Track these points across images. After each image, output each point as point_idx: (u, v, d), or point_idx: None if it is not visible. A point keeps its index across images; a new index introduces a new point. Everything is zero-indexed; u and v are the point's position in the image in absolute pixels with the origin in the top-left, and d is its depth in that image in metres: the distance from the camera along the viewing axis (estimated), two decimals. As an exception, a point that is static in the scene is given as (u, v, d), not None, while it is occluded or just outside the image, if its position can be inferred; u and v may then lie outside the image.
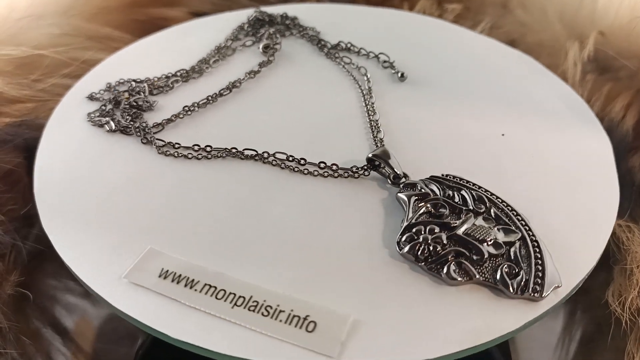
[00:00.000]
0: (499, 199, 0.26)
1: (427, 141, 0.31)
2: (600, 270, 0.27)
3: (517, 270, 0.24)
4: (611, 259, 0.30)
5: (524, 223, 0.25)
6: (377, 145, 0.30)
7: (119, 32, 0.40)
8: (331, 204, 0.28)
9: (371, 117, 0.32)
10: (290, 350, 0.22)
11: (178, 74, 0.35)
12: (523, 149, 0.31)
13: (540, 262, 0.24)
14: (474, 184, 0.27)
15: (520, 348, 0.34)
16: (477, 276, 0.24)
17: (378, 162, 0.28)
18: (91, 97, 0.34)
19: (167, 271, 0.25)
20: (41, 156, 0.31)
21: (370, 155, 0.28)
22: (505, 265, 0.24)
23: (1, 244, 0.30)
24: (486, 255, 0.24)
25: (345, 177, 0.29)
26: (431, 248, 0.24)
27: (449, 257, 0.24)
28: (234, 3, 0.45)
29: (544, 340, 0.34)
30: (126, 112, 0.32)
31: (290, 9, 0.41)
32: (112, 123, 0.32)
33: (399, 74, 0.35)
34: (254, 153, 0.30)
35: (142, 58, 0.37)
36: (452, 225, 0.25)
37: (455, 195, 0.26)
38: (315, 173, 0.29)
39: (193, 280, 0.24)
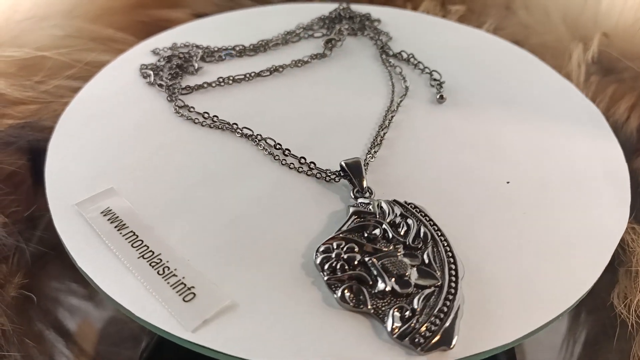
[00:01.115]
0: (445, 242, 0.25)
1: (424, 167, 0.30)
2: (605, 272, 0.27)
3: (409, 315, 0.22)
4: (616, 260, 0.30)
5: (454, 274, 0.24)
6: (368, 156, 0.30)
7: (122, 33, 0.40)
8: (288, 198, 0.28)
9: (382, 129, 0.31)
10: (159, 312, 0.23)
11: (236, 48, 0.37)
12: (523, 199, 0.28)
13: (442, 317, 0.22)
14: (430, 220, 0.26)
15: (525, 350, 0.34)
16: (369, 307, 0.23)
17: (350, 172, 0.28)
18: (154, 52, 0.37)
19: (110, 210, 0.27)
20: (85, 89, 0.34)
21: (342, 163, 0.28)
22: (399, 307, 0.22)
23: (5, 246, 0.30)
24: (388, 289, 0.23)
25: (317, 178, 0.29)
26: (338, 265, 0.24)
27: (350, 280, 0.23)
28: (237, 4, 0.45)
29: (549, 341, 0.34)
30: (171, 70, 0.34)
31: (376, 11, 0.41)
32: (152, 77, 0.34)
33: (438, 95, 0.33)
34: (249, 133, 0.31)
35: (219, 28, 0.39)
36: (373, 250, 0.24)
37: (402, 224, 0.25)
38: (292, 166, 0.29)
39: (124, 225, 0.26)
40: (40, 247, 0.32)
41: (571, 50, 0.40)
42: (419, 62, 0.36)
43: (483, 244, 0.26)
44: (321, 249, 0.24)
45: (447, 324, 0.22)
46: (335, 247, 0.24)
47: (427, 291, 0.23)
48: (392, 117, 0.32)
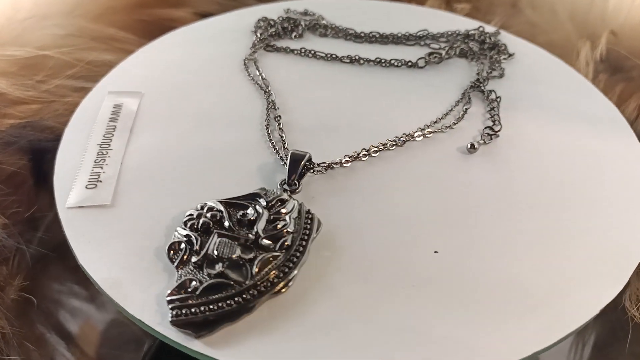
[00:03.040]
0: (292, 260, 0.24)
1: (378, 197, 0.28)
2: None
3: (191, 290, 0.23)
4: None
5: (265, 286, 0.23)
6: (335, 161, 0.29)
7: (124, 32, 0.40)
8: (240, 161, 0.29)
9: (379, 147, 0.30)
10: (67, 186, 0.28)
11: (349, 31, 0.38)
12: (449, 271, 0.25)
13: (214, 309, 0.22)
14: (307, 235, 0.25)
15: (534, 353, 0.33)
16: (175, 266, 0.24)
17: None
18: (285, 10, 0.40)
19: (120, 106, 0.32)
20: (206, 21, 0.39)
21: (291, 151, 0.28)
22: (190, 279, 0.23)
23: (5, 248, 0.30)
24: (198, 261, 0.23)
25: (277, 156, 0.29)
26: (190, 224, 0.25)
27: (185, 238, 0.24)
28: (240, 3, 0.44)
29: (556, 345, 0.33)
30: (276, 29, 0.38)
31: (519, 47, 0.38)
32: (260, 28, 0.38)
33: (469, 144, 0.30)
34: (271, 98, 0.32)
35: (354, 10, 0.41)
36: (223, 226, 0.25)
37: (277, 222, 0.25)
38: (269, 139, 0.30)
39: (115, 119, 0.31)
40: (42, 248, 0.32)
41: (579, 49, 0.39)
42: (497, 107, 0.33)
43: (335, 285, 0.24)
44: (198, 206, 0.25)
45: (211, 318, 0.22)
46: (206, 209, 0.25)
47: (223, 282, 0.23)
48: (404, 142, 0.30)
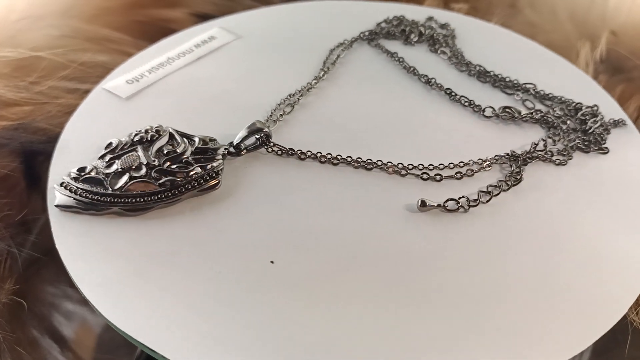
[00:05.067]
0: (162, 195, 0.27)
1: (298, 201, 0.27)
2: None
3: (80, 171, 0.27)
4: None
5: (124, 202, 0.26)
6: (308, 154, 0.29)
7: (119, 33, 0.40)
8: (243, 117, 0.30)
9: (352, 160, 0.29)
10: (116, 80, 0.33)
11: (458, 56, 0.36)
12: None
13: (79, 193, 0.26)
14: (195, 186, 0.27)
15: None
16: (97, 159, 0.27)
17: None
18: (428, 17, 0.39)
19: (210, 40, 0.36)
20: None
21: (254, 120, 0.29)
22: (87, 167, 0.27)
23: (-4, 251, 0.30)
24: (107, 159, 0.27)
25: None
26: (134, 133, 0.28)
27: (120, 142, 0.28)
28: (237, 4, 0.44)
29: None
30: (392, 28, 0.38)
31: (632, 156, 0.30)
32: (386, 23, 0.38)
33: (420, 201, 0.27)
34: (313, 84, 0.33)
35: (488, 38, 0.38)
36: (150, 145, 0.28)
37: (189, 166, 0.27)
38: (278, 112, 0.31)
39: (198, 47, 0.35)
40: (34, 252, 0.32)
41: (578, 49, 0.39)
42: (507, 187, 0.28)
43: (169, 236, 0.26)
44: (154, 125, 0.28)
45: (73, 200, 0.26)
46: (155, 129, 0.28)
47: (101, 180, 0.26)
48: (372, 167, 0.29)
